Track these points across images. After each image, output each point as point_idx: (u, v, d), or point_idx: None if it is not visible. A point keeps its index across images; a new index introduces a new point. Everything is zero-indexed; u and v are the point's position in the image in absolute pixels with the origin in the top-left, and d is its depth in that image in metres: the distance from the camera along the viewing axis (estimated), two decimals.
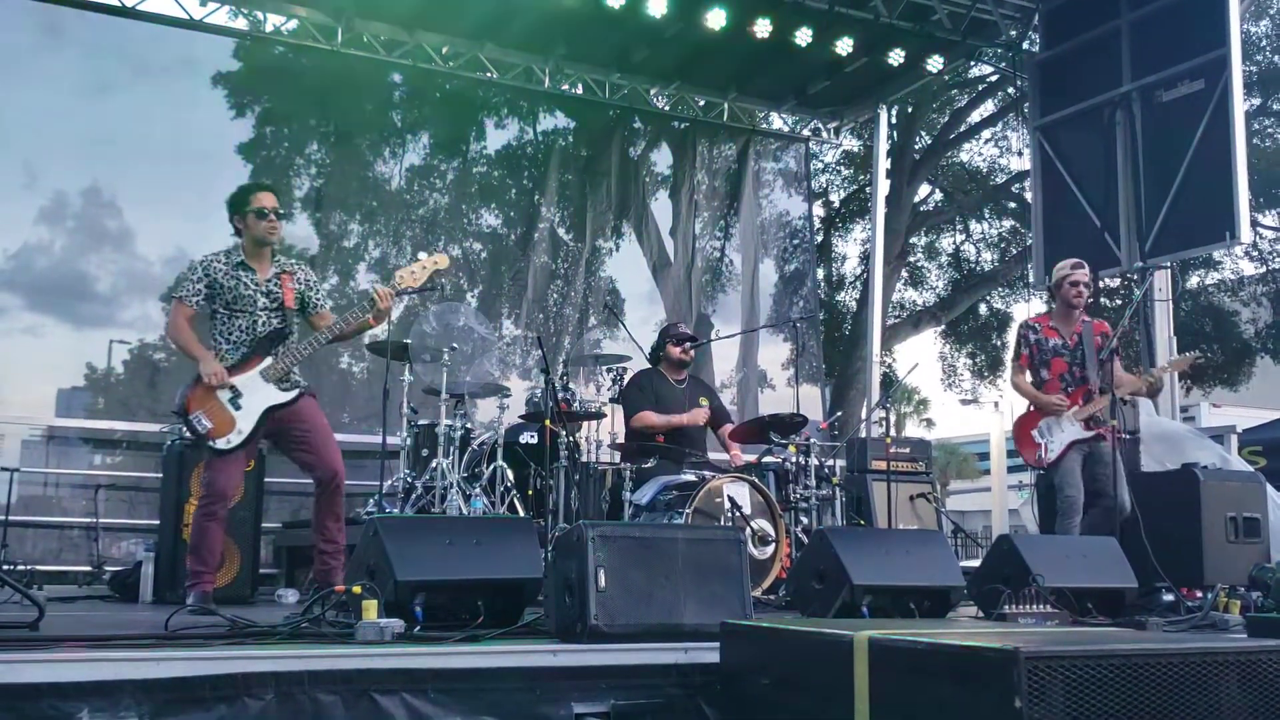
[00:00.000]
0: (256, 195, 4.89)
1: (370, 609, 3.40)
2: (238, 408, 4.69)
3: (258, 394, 4.73)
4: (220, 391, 4.67)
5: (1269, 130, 16.01)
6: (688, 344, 6.76)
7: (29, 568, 6.85)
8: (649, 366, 6.82)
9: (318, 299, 5.03)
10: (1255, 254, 16.82)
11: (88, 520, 7.70)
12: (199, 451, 5.66)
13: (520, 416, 6.95)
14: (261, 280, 4.88)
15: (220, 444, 4.67)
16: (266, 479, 6.44)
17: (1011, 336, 6.57)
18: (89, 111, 9.07)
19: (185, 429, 4.84)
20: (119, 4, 8.52)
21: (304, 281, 5.01)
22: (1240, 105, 8.12)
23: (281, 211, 4.93)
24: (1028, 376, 6.23)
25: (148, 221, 9.42)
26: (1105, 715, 2.31)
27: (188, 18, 8.78)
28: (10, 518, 6.96)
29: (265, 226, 4.84)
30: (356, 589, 3.48)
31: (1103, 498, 5.90)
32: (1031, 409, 6.21)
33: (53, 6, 8.40)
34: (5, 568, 6.08)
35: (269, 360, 4.76)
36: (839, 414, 10.60)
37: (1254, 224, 14.80)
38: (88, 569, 7.39)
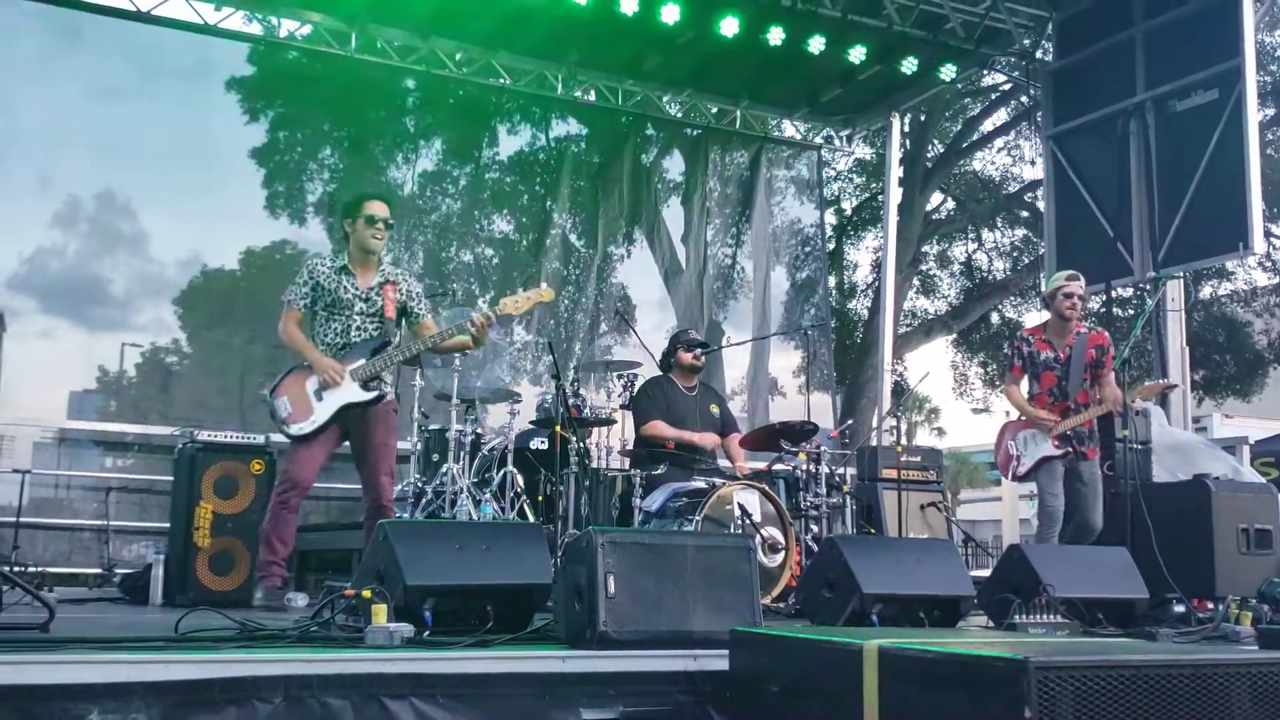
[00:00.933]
0: (369, 203, 5.08)
1: (380, 613, 3.40)
2: (320, 399, 4.90)
3: (342, 389, 4.90)
4: (309, 382, 4.90)
5: None
6: (698, 350, 6.74)
7: (40, 569, 6.85)
8: (660, 374, 6.81)
9: (420, 310, 5.18)
10: (1268, 264, 16.77)
11: (98, 523, 7.74)
12: (210, 454, 5.75)
13: (531, 422, 6.97)
14: (363, 287, 5.04)
15: (294, 429, 4.91)
16: (275, 482, 6.45)
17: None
18: (103, 115, 9.09)
19: (270, 413, 5.05)
20: (133, 9, 8.57)
21: (406, 292, 5.15)
22: (1254, 115, 8.11)
23: (391, 222, 5.10)
24: (1022, 387, 6.27)
25: (162, 225, 9.42)
26: None
27: (202, 23, 8.84)
28: (21, 520, 6.99)
29: (371, 233, 5.01)
30: (366, 593, 3.49)
31: (1075, 514, 6.03)
32: (1019, 418, 6.26)
33: (67, 11, 8.46)
34: (16, 569, 6.10)
35: (361, 361, 4.93)
36: (850, 422, 10.56)
37: (1267, 235, 14.71)
38: (98, 571, 7.41)
